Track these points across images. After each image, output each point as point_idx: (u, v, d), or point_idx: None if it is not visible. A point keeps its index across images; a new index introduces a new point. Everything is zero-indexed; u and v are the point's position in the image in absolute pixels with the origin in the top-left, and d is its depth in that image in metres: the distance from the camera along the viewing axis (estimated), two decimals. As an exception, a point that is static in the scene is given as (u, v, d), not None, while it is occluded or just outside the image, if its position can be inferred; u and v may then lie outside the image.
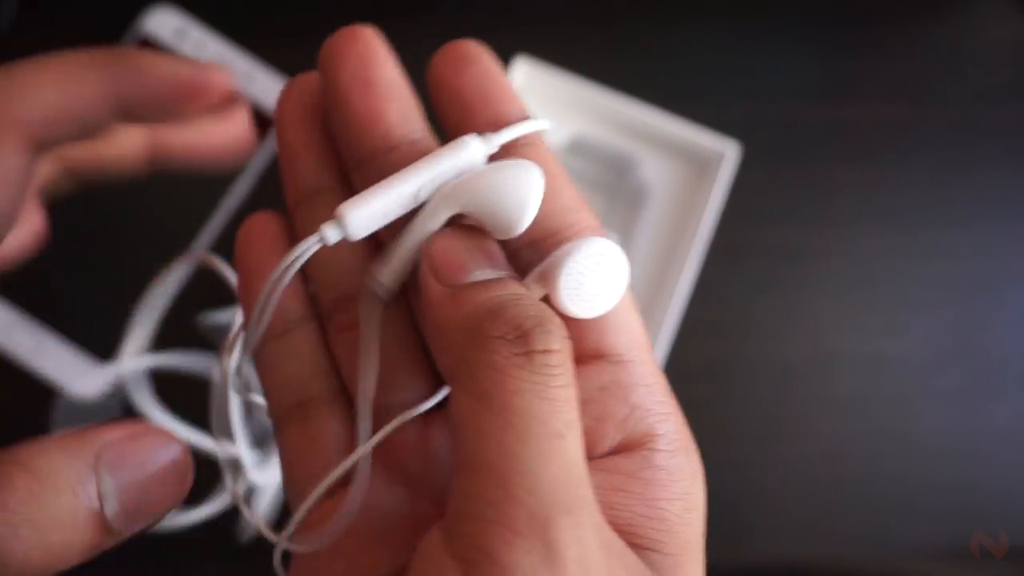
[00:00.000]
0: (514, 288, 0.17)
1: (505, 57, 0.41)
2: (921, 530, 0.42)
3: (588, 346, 0.18)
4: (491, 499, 0.15)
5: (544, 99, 0.42)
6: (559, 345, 0.16)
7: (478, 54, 0.20)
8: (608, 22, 0.46)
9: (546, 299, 0.18)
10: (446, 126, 0.20)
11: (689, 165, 0.43)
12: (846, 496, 0.42)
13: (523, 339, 0.15)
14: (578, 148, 0.43)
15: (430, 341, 0.18)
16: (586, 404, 0.18)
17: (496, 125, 0.19)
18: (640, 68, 0.45)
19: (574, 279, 0.17)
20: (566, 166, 0.44)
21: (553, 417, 0.15)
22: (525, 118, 0.20)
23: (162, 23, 0.42)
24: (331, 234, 0.18)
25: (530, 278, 0.18)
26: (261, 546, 0.41)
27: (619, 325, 0.19)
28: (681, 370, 0.41)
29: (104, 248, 0.42)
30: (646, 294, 0.41)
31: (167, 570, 0.41)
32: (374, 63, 0.19)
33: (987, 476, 0.43)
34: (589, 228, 0.19)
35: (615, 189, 0.43)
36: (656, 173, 0.42)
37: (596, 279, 0.17)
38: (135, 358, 0.39)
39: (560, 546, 0.14)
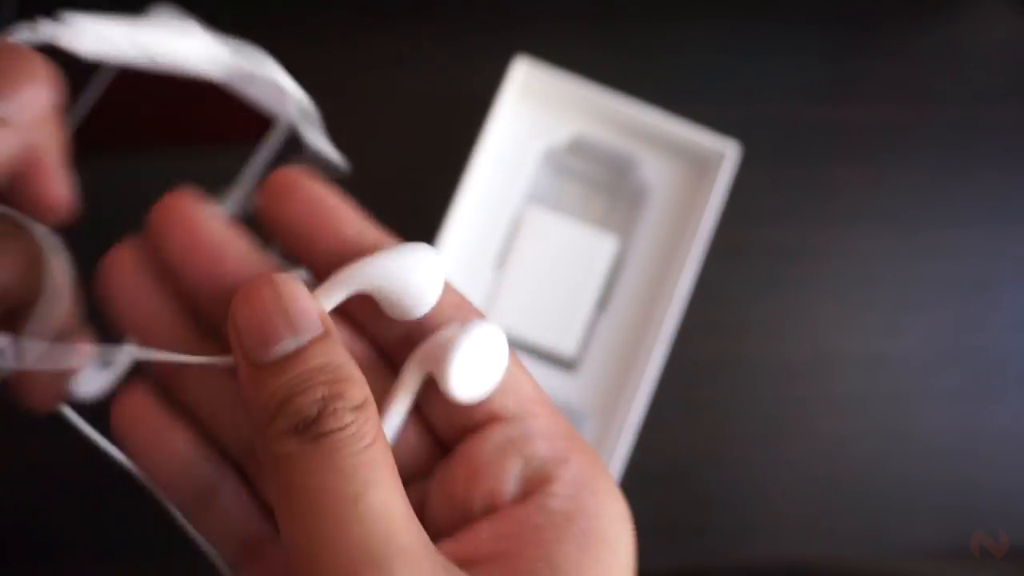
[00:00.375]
0: (313, 359, 0.16)
1: (505, 57, 0.41)
2: (921, 530, 0.42)
3: (480, 413, 0.19)
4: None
5: (544, 99, 0.42)
6: (350, 417, 0.16)
7: (299, 184, 0.19)
8: (608, 21, 0.46)
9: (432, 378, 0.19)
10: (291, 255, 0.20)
11: (689, 165, 0.43)
12: (846, 496, 0.42)
13: (311, 426, 0.16)
14: (578, 148, 0.43)
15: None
16: (487, 464, 0.18)
17: (332, 255, 0.19)
18: (640, 68, 0.46)
19: (462, 369, 0.18)
20: (566, 166, 0.44)
21: (345, 484, 0.15)
22: (358, 244, 0.19)
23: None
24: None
25: (412, 362, 0.19)
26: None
27: (506, 387, 0.19)
28: (681, 370, 0.41)
29: (106, 246, 0.42)
30: (646, 294, 0.41)
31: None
32: (199, 229, 0.19)
33: (987, 476, 0.43)
34: (459, 307, 0.20)
35: (615, 189, 0.43)
36: (656, 173, 0.42)
37: (481, 362, 0.18)
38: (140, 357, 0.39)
39: None
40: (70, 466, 0.41)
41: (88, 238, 0.22)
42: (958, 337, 0.44)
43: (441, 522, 0.18)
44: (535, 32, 0.45)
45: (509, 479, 0.18)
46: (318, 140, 0.23)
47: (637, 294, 0.41)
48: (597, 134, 0.42)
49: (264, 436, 0.16)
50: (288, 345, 0.16)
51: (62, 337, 0.20)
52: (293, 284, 0.17)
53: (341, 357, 0.17)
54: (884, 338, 0.43)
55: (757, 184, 0.44)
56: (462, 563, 0.17)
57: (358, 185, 0.40)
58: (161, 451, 0.20)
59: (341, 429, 0.16)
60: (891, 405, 0.43)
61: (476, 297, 0.41)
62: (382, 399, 0.19)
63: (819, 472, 0.42)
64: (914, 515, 0.42)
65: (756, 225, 0.44)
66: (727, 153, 0.41)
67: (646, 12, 0.46)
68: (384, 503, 0.15)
